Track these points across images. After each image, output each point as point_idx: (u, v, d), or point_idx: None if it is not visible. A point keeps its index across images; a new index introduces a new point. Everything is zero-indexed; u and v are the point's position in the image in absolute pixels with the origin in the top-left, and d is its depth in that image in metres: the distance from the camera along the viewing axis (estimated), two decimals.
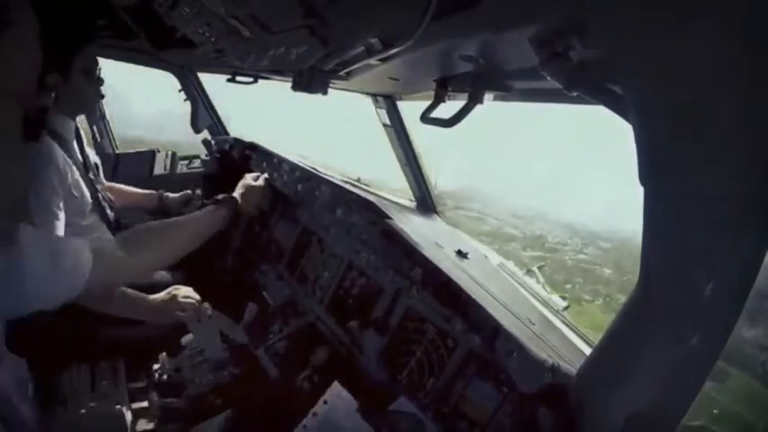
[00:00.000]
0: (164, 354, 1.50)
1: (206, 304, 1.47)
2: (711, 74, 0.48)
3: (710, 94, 0.50)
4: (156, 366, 1.49)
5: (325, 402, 1.15)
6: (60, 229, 1.42)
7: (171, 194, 2.16)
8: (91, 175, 1.68)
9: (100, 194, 1.71)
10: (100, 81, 1.61)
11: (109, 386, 1.42)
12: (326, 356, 1.50)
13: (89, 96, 1.61)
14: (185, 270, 1.95)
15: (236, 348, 1.58)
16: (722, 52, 0.46)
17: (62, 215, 1.44)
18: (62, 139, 1.52)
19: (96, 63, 1.58)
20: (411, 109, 1.80)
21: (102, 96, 1.66)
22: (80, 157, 1.65)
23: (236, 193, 1.50)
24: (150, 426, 1.28)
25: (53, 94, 1.46)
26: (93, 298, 1.40)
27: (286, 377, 1.46)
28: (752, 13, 0.41)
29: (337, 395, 1.16)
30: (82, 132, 1.74)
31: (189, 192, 2.15)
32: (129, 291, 1.44)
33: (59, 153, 1.48)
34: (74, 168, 1.54)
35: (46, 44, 1.53)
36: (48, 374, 1.36)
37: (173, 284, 1.56)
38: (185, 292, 1.47)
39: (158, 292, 1.50)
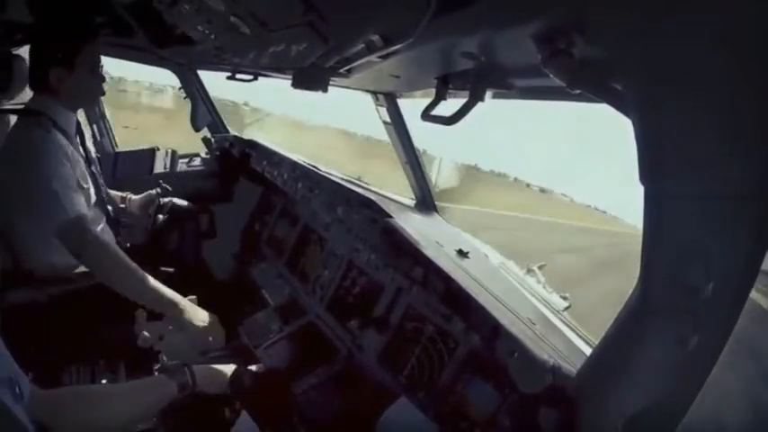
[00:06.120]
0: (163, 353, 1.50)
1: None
2: (712, 73, 0.48)
3: (711, 93, 0.50)
4: (156, 366, 1.48)
5: None
6: (85, 206, 1.47)
7: (134, 197, 2.05)
8: (93, 169, 1.69)
9: (102, 189, 1.71)
10: (102, 77, 1.61)
11: None
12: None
13: (92, 90, 1.62)
14: (185, 271, 1.95)
15: (237, 348, 1.58)
16: (723, 52, 0.46)
17: (82, 194, 1.49)
18: (65, 131, 1.53)
19: (99, 58, 1.59)
20: (411, 108, 1.80)
21: (103, 92, 1.67)
22: (83, 151, 1.66)
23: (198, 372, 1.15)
24: (150, 425, 1.27)
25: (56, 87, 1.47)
26: (112, 270, 1.39)
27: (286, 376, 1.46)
28: (751, 14, 0.41)
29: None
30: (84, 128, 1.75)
31: (152, 192, 2.04)
32: (150, 277, 1.40)
33: (67, 144, 1.50)
34: (80, 160, 1.56)
35: (52, 39, 1.54)
36: (48, 374, 1.35)
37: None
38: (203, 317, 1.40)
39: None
